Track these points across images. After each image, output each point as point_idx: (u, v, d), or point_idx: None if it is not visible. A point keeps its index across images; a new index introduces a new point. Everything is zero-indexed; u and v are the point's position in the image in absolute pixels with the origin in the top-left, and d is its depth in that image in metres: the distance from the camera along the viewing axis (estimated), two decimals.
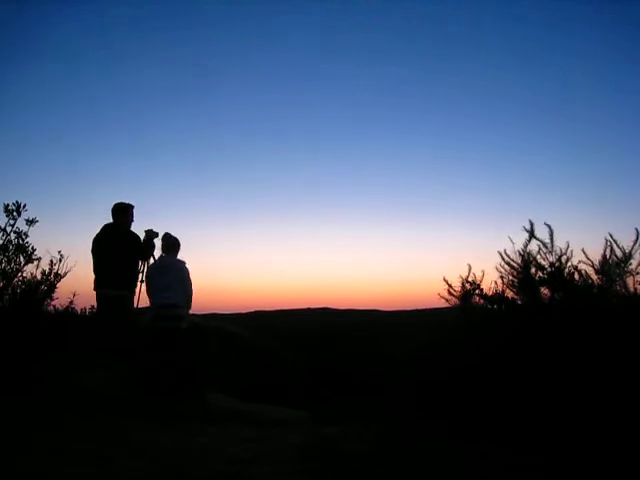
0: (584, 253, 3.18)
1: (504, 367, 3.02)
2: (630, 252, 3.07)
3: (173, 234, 5.27)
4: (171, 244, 5.14)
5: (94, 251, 5.36)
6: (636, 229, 3.08)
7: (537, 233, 3.29)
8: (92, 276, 5.43)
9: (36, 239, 4.85)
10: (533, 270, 3.28)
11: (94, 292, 5.35)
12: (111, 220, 5.52)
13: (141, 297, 6.05)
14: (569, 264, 3.22)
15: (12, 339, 4.26)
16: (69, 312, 5.82)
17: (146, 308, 6.03)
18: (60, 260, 5.09)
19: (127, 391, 4.36)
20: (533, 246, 3.31)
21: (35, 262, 4.87)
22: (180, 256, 5.14)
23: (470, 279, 3.58)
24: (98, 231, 5.47)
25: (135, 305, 5.83)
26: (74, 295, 5.61)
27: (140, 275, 6.18)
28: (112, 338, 5.13)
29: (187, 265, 5.06)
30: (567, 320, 2.94)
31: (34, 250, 4.83)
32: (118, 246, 5.30)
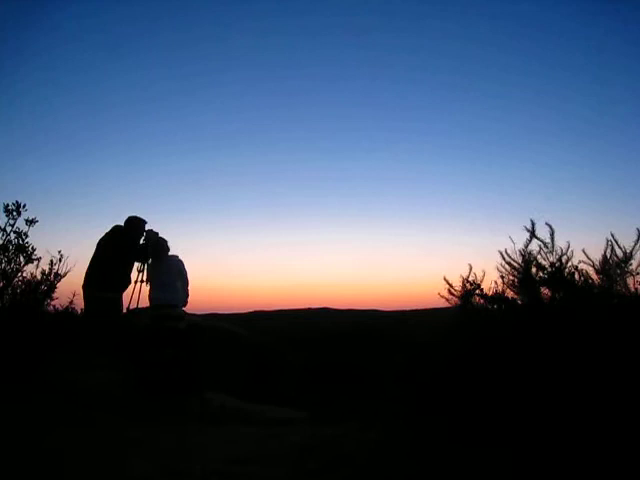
0: (585, 253, 3.17)
1: (504, 367, 3.02)
2: (631, 252, 3.07)
3: (160, 235, 5.36)
4: (162, 245, 5.22)
5: (96, 250, 5.41)
6: (637, 229, 3.07)
7: (538, 233, 3.29)
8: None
9: (36, 239, 4.85)
10: (534, 270, 3.28)
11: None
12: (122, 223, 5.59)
13: (139, 298, 6.07)
14: (570, 264, 3.22)
15: (12, 339, 4.26)
16: (69, 312, 5.82)
17: (145, 308, 6.05)
18: (60, 260, 5.10)
19: (127, 391, 4.36)
20: (534, 246, 3.31)
21: (35, 262, 4.88)
22: (180, 256, 5.18)
23: (471, 279, 3.58)
24: (107, 231, 5.53)
25: (132, 306, 5.86)
26: (74, 295, 5.60)
27: (140, 275, 6.20)
28: (103, 338, 5.17)
29: (181, 258, 5.13)
30: (567, 320, 2.94)
31: (34, 250, 4.83)
32: (112, 249, 5.35)
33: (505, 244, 3.42)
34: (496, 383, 2.96)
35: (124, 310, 5.82)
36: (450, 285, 3.59)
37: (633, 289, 3.06)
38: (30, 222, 4.76)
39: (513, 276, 3.35)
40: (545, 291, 3.24)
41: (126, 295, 5.85)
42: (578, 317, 2.95)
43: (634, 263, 3.06)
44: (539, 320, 3.08)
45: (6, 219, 4.66)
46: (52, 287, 5.10)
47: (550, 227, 3.23)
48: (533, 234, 3.28)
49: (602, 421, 2.44)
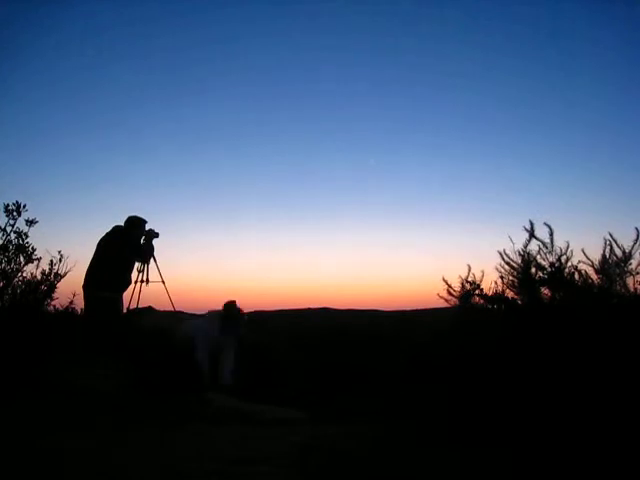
0: (584, 253, 3.18)
1: (504, 367, 3.02)
2: (630, 252, 3.07)
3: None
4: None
5: (96, 251, 5.49)
6: (636, 229, 3.08)
7: (537, 233, 3.30)
8: None
9: (36, 239, 4.85)
10: (533, 270, 3.28)
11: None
12: (122, 224, 5.66)
13: (139, 298, 6.09)
14: (569, 264, 3.22)
15: (12, 339, 4.26)
16: (69, 312, 5.82)
17: (145, 309, 6.07)
18: (60, 260, 5.10)
19: (127, 391, 4.36)
20: (533, 246, 3.32)
21: (35, 262, 4.88)
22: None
23: (470, 279, 3.59)
24: (108, 231, 5.61)
25: (132, 306, 5.88)
26: (74, 295, 5.61)
27: (140, 275, 6.21)
28: (103, 338, 5.19)
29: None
30: (567, 320, 2.95)
31: (34, 250, 4.84)
32: (112, 249, 5.41)
33: (504, 244, 3.43)
34: (496, 383, 2.96)
35: (124, 310, 5.84)
36: (449, 285, 3.61)
37: (633, 289, 3.06)
38: (30, 222, 4.76)
39: (513, 276, 3.36)
40: (545, 291, 3.25)
41: (126, 295, 5.87)
42: (578, 317, 2.95)
43: (633, 263, 3.07)
44: (539, 320, 3.08)
45: (6, 219, 4.67)
46: (52, 287, 5.10)
47: (549, 227, 3.24)
48: (532, 234, 3.28)
49: (602, 419, 2.44)
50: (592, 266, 3.14)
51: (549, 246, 3.25)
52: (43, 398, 3.83)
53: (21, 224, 4.73)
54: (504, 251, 3.41)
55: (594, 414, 2.48)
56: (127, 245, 5.49)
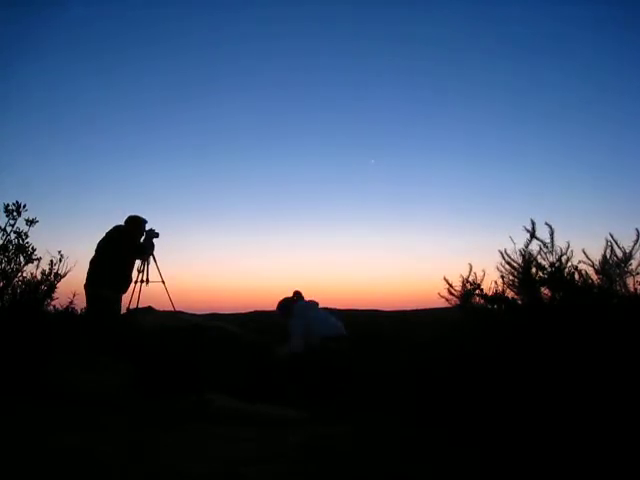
0: (584, 253, 3.18)
1: (504, 367, 3.02)
2: (630, 252, 3.07)
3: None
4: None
5: (96, 251, 5.56)
6: (637, 229, 3.08)
7: (538, 233, 3.30)
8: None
9: (36, 239, 4.86)
10: (534, 270, 3.28)
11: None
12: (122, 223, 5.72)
13: (139, 298, 6.08)
14: (569, 264, 3.22)
15: (12, 339, 4.26)
16: (69, 312, 5.83)
17: (146, 308, 6.06)
18: (60, 260, 5.11)
19: (126, 391, 4.36)
20: (534, 246, 3.32)
21: (35, 262, 4.88)
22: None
23: (471, 279, 3.58)
24: (108, 230, 5.67)
25: (132, 306, 5.88)
26: (74, 295, 5.63)
27: (140, 275, 6.22)
28: (100, 336, 5.21)
29: None
30: (567, 320, 2.94)
31: (34, 250, 4.85)
32: (108, 247, 5.45)
33: (505, 244, 3.43)
34: (496, 384, 2.96)
35: (124, 310, 5.85)
36: (450, 285, 3.60)
37: (633, 289, 3.07)
38: (30, 222, 4.77)
39: (513, 276, 3.36)
40: (545, 291, 3.25)
41: (126, 295, 5.88)
42: (578, 317, 2.95)
43: (634, 263, 3.07)
44: (539, 320, 3.08)
45: (6, 219, 4.68)
46: (52, 287, 5.11)
47: (550, 227, 3.24)
48: (533, 234, 3.28)
49: (602, 420, 2.44)
50: (592, 266, 3.15)
51: (550, 246, 3.25)
52: (43, 398, 3.83)
53: (21, 224, 4.74)
54: (505, 251, 3.42)
55: (595, 413, 2.48)
56: (127, 244, 5.52)
